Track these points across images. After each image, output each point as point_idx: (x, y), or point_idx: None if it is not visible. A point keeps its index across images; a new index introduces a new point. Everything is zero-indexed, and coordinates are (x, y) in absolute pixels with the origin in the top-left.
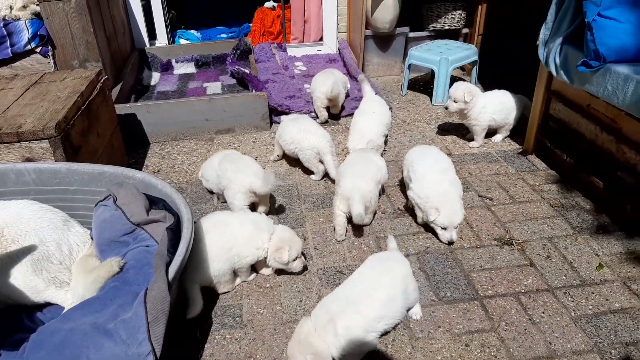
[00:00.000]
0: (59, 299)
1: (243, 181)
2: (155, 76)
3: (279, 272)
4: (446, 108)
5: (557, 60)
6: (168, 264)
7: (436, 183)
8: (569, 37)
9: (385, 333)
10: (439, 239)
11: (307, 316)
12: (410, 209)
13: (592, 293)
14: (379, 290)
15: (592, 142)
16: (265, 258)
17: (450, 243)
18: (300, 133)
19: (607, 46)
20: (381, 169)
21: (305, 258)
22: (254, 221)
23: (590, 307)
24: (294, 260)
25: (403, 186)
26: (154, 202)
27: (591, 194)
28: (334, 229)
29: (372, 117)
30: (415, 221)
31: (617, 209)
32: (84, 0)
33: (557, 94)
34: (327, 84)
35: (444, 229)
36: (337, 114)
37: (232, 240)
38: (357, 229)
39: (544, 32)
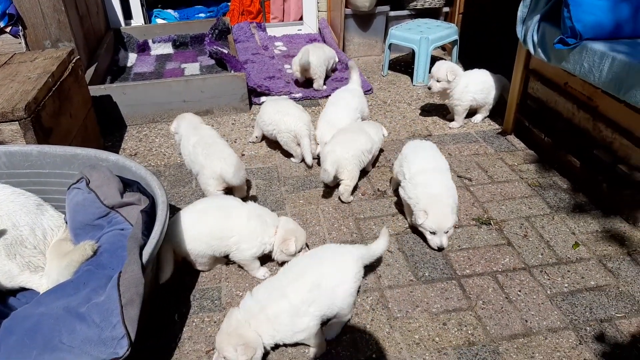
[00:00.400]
0: (34, 283)
1: (214, 167)
2: (132, 57)
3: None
4: (429, 88)
5: (535, 38)
6: (142, 247)
7: (428, 184)
8: (546, 14)
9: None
10: (427, 244)
11: (234, 307)
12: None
13: (568, 271)
14: (306, 274)
15: (569, 121)
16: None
17: (440, 249)
18: (278, 115)
19: (583, 23)
20: (373, 142)
21: (308, 247)
22: (260, 216)
23: (566, 285)
24: (300, 250)
25: (384, 168)
26: (128, 184)
27: (568, 173)
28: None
29: (343, 107)
30: (399, 207)
31: (594, 188)
32: None
33: (535, 72)
34: (300, 53)
35: (433, 233)
36: (317, 90)
37: (229, 232)
38: (337, 210)
39: (522, 10)
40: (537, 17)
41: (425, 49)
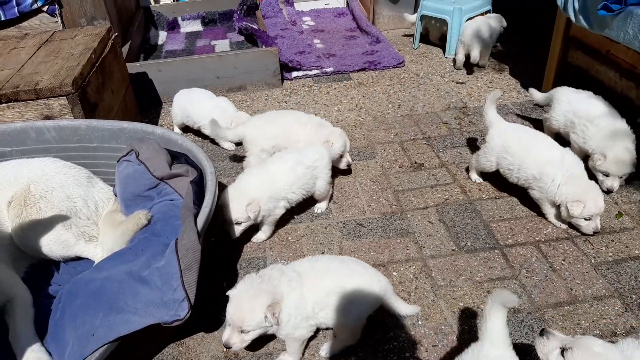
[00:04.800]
0: (89, 252)
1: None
2: (162, 35)
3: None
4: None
5: (576, 5)
6: (195, 216)
7: (570, 175)
8: None
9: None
10: (581, 232)
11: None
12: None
13: (612, 240)
14: (330, 278)
15: (612, 90)
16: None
17: (597, 232)
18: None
19: None
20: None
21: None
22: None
23: (611, 254)
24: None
25: (421, 140)
26: (176, 157)
27: None
28: None
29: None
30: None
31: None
32: None
33: (575, 40)
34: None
35: (588, 219)
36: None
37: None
38: (375, 182)
39: None
40: None
41: (458, 20)
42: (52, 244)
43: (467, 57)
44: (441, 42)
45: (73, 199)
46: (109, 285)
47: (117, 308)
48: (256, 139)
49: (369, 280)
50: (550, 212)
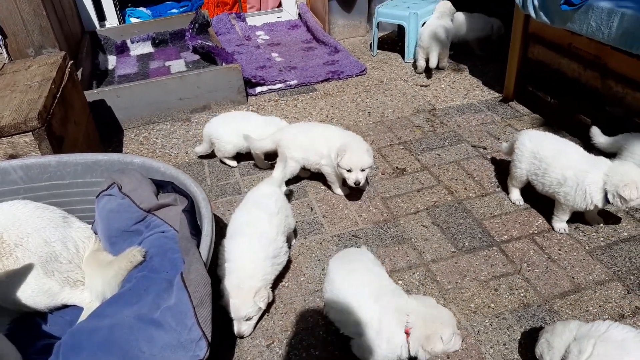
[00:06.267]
0: (76, 299)
1: None
2: (112, 59)
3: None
4: None
5: (536, 2)
6: (197, 246)
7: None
8: None
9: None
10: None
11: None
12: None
13: (601, 226)
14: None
15: (576, 81)
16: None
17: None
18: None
19: None
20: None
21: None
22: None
23: (602, 239)
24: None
25: (397, 146)
26: (161, 186)
27: (578, 132)
28: None
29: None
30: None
31: None
32: None
33: (535, 36)
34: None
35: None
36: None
37: None
38: (361, 191)
39: None
40: None
41: (414, 25)
42: (35, 295)
43: (427, 61)
44: (483, 52)
45: (51, 243)
46: (118, 333)
47: (132, 357)
48: (289, 146)
49: None
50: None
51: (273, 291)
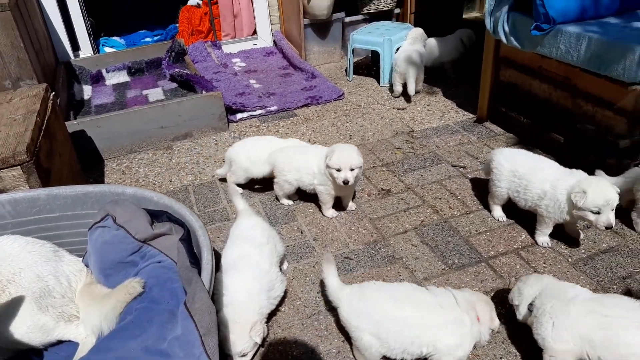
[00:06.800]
0: (71, 334)
1: None
2: (87, 89)
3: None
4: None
5: (506, 28)
6: (198, 275)
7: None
8: (513, 5)
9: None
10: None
11: None
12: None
13: (581, 238)
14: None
15: (547, 101)
16: None
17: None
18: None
19: (555, 9)
20: None
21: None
22: None
23: (583, 251)
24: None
25: (380, 168)
26: (156, 215)
27: (552, 149)
28: None
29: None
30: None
31: (580, 160)
32: (9, 14)
33: (506, 60)
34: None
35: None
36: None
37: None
38: (350, 213)
39: (489, 3)
40: (505, 8)
41: (389, 50)
42: (30, 332)
43: (404, 85)
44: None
45: (44, 278)
46: None
47: None
48: (284, 168)
49: None
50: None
51: (269, 320)
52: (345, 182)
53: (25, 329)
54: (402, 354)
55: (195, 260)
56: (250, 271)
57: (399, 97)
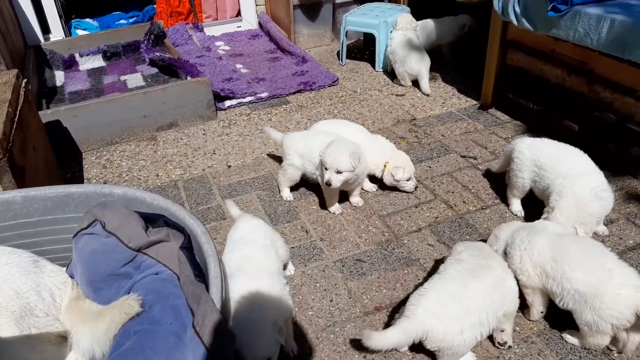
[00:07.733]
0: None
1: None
2: (59, 75)
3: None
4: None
5: (517, 9)
6: (206, 290)
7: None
8: None
9: None
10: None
11: None
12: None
13: (607, 235)
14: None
15: (560, 87)
16: None
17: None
18: None
19: None
20: None
21: None
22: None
23: (610, 248)
24: (407, 180)
25: None
26: (151, 219)
27: (565, 138)
28: None
29: None
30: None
31: (597, 150)
32: None
33: (514, 43)
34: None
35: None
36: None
37: None
38: (357, 210)
39: None
40: None
41: (385, 33)
42: (13, 357)
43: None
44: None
45: (24, 294)
46: None
47: None
48: (287, 151)
49: None
50: None
51: None
52: (328, 184)
53: (7, 356)
54: None
55: (200, 272)
56: (261, 272)
57: (409, 85)
